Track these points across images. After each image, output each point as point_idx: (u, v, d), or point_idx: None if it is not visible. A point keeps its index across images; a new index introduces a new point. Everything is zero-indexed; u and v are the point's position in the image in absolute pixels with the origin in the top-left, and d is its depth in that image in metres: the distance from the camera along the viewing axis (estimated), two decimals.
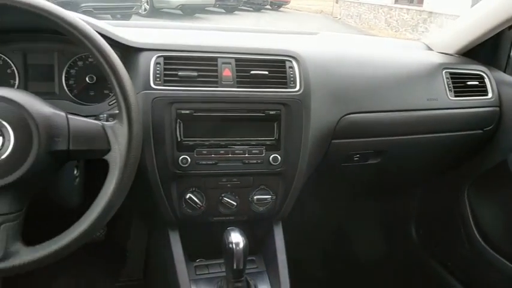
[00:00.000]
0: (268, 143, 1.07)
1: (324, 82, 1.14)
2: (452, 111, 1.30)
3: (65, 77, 1.08)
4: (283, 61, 1.09)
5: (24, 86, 1.06)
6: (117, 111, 0.91)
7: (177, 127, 1.02)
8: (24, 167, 0.70)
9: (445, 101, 1.29)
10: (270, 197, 1.10)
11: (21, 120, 0.71)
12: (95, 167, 1.02)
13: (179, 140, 1.02)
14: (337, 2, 16.90)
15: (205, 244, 1.15)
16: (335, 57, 1.24)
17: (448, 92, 1.30)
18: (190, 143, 1.03)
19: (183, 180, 1.05)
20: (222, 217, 1.10)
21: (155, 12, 11.10)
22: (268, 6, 16.88)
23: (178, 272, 1.05)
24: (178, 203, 1.06)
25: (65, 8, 0.77)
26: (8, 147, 0.70)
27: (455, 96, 1.31)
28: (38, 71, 1.07)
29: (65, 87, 1.08)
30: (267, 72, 1.06)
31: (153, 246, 1.54)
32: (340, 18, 15.95)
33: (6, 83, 1.05)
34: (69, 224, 1.06)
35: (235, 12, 14.36)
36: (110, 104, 1.03)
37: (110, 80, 0.77)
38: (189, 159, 1.02)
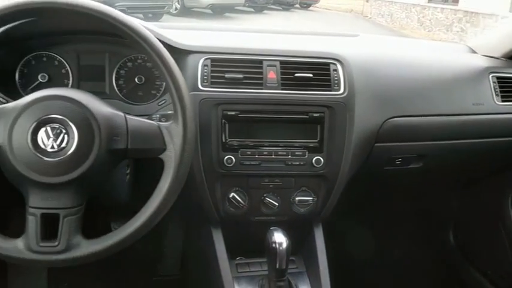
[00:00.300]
0: (311, 145, 1.08)
1: (367, 85, 1.14)
2: (499, 117, 1.27)
3: (115, 77, 1.12)
4: (328, 64, 1.10)
5: (77, 86, 1.11)
6: (169, 112, 0.95)
7: (223, 128, 1.04)
8: (87, 163, 0.74)
9: (492, 105, 1.26)
10: (311, 198, 1.11)
11: (85, 120, 0.75)
12: (142, 165, 1.06)
13: (224, 140, 1.04)
14: (367, 1, 16.66)
15: (245, 242, 1.17)
16: (378, 60, 1.23)
17: (494, 96, 1.27)
18: (235, 143, 1.05)
19: (227, 179, 1.07)
20: (264, 217, 1.12)
21: (186, 11, 11.23)
22: (297, 6, 16.81)
23: (221, 270, 1.08)
24: (222, 202, 1.09)
25: None
26: (72, 144, 0.74)
27: (503, 101, 1.28)
28: (90, 72, 1.12)
29: (115, 87, 1.12)
30: (311, 75, 1.07)
31: (191, 243, 1.57)
32: (370, 18, 15.72)
33: (61, 82, 1.10)
34: (119, 219, 1.10)
35: (264, 11, 14.37)
36: (160, 104, 1.06)
37: (166, 82, 0.79)
38: (234, 160, 1.04)
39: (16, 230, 0.81)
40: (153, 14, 9.42)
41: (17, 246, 0.74)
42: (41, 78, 1.08)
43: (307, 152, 1.08)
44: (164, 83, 1.13)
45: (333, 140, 1.08)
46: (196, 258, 1.50)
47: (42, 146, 0.73)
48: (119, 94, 1.12)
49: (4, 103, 1.00)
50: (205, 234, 1.15)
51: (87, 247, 0.76)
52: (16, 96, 1.05)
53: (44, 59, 1.09)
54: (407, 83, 1.21)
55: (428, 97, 1.21)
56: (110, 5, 0.79)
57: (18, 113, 0.74)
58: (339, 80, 1.09)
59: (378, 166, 1.24)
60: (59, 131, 0.74)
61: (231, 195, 1.08)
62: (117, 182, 0.98)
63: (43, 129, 0.74)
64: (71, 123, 0.74)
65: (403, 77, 1.21)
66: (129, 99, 1.12)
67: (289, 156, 1.07)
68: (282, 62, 1.08)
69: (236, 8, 13.13)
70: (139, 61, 1.13)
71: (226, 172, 1.05)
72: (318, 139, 1.08)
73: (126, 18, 0.77)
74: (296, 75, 1.07)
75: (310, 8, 17.57)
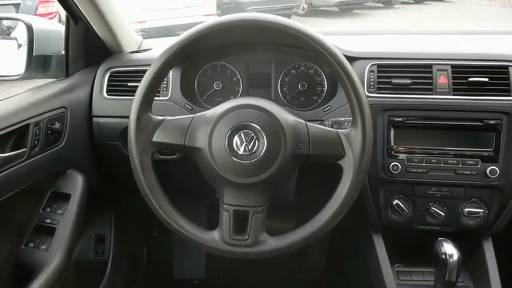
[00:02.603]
0: (485, 154, 1.02)
1: None
2: None
3: (280, 84, 1.19)
4: (506, 67, 1.03)
5: (247, 93, 1.21)
6: (341, 119, 0.98)
7: (389, 134, 1.04)
8: (274, 166, 0.81)
9: None
10: (482, 210, 1.05)
11: (273, 127, 0.81)
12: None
13: (390, 146, 1.04)
14: None
15: (405, 250, 1.15)
16: None
17: None
18: (402, 150, 1.04)
19: (391, 186, 1.07)
20: (427, 226, 1.09)
21: (313, 11, 11.25)
22: None
23: (384, 275, 1.08)
24: (385, 208, 1.09)
25: (232, 11, 0.83)
26: (262, 149, 0.81)
27: None
28: (257, 79, 1.21)
29: (280, 94, 1.19)
30: (487, 79, 1.02)
31: (339, 245, 1.59)
32: None
33: (232, 89, 1.21)
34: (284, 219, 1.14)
35: (395, 5, 13.63)
36: (325, 110, 1.10)
37: (346, 90, 0.81)
38: (400, 166, 1.04)
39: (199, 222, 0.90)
40: (282, 15, 9.60)
41: (213, 237, 0.84)
42: (215, 86, 1.20)
43: (480, 161, 1.02)
44: (325, 89, 1.17)
45: (511, 149, 1.00)
46: (345, 260, 1.52)
47: (236, 150, 0.82)
48: (283, 100, 1.19)
49: (189, 109, 1.15)
50: (365, 240, 1.16)
51: (271, 243, 0.83)
52: (196, 102, 1.19)
53: (218, 68, 1.21)
54: None
55: None
56: (242, 9, 0.84)
57: (217, 120, 0.83)
58: None
59: None
60: (250, 136, 0.82)
61: (394, 202, 1.07)
62: (289, 183, 1.05)
63: (237, 134, 0.82)
64: (261, 130, 0.81)
65: None
66: (292, 105, 1.18)
67: (460, 165, 1.03)
68: (453, 66, 1.04)
69: (364, 4, 12.72)
70: (302, 68, 1.18)
71: (390, 179, 1.05)
72: (493, 148, 1.02)
73: (311, 31, 0.81)
74: (469, 79, 1.02)
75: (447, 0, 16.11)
